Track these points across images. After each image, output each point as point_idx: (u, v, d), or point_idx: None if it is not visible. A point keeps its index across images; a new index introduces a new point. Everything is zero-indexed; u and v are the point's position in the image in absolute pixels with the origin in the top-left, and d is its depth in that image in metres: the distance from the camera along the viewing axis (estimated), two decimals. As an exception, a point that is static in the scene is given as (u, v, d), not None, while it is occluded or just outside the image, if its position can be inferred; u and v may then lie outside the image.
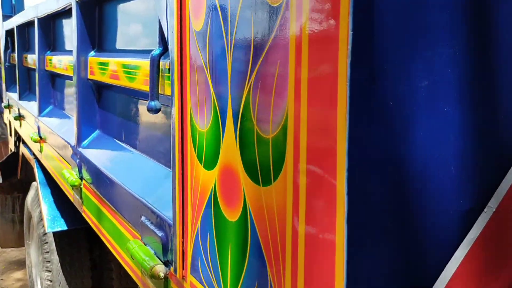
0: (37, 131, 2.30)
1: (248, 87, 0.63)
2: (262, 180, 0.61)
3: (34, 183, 3.00)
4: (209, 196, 0.73)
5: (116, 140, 1.42)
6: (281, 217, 0.57)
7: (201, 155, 0.76)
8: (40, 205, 2.49)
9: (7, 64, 3.65)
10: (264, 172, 0.61)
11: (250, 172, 0.63)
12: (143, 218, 1.01)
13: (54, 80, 2.27)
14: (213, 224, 0.73)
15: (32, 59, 2.66)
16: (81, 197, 1.56)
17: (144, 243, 1.00)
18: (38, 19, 2.23)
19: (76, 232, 2.59)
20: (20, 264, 4.16)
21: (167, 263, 0.94)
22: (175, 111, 0.83)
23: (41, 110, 2.30)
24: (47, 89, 2.30)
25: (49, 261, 2.61)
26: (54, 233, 2.59)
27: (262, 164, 0.61)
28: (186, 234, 0.82)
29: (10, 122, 3.80)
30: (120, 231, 1.17)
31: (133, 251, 0.97)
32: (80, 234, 2.64)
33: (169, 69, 0.94)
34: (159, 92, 0.98)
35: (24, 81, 3.03)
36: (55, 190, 2.52)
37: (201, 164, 0.76)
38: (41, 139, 2.27)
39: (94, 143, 1.54)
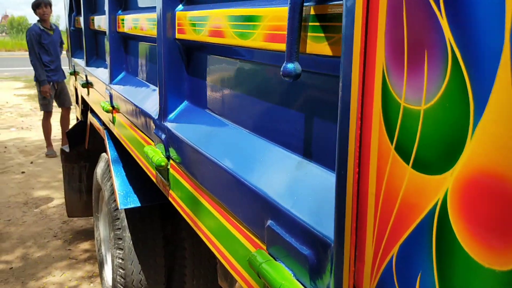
0: (109, 100, 2.09)
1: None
2: None
3: (103, 154, 2.84)
4: (427, 215, 0.45)
5: (215, 115, 1.16)
6: None
7: (407, 148, 0.47)
8: (112, 179, 2.32)
9: (72, 28, 3.49)
10: None
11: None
12: (270, 223, 0.74)
13: (128, 43, 2.04)
14: (434, 259, 0.45)
15: (100, 21, 2.45)
16: (168, 179, 1.32)
17: (273, 257, 0.74)
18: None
19: (149, 208, 2.42)
20: (87, 234, 4.11)
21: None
22: (348, 74, 0.54)
23: (113, 77, 2.09)
24: (119, 53, 2.07)
25: (120, 239, 2.45)
26: (126, 209, 2.43)
27: None
28: (361, 262, 0.55)
29: (76, 89, 3.67)
30: (229, 231, 0.92)
31: (261, 268, 0.71)
32: (153, 211, 2.46)
33: (315, 15, 0.66)
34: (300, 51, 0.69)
35: (91, 46, 2.84)
36: (128, 164, 2.34)
37: (407, 163, 0.47)
38: (113, 109, 2.07)
39: (183, 117, 1.29)
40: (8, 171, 5.80)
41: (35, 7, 6.22)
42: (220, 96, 1.13)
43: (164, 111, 1.33)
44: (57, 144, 6.88)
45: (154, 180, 1.49)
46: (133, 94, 1.73)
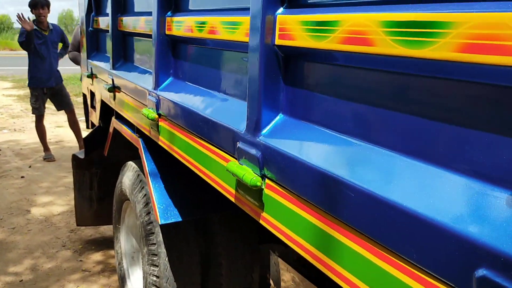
0: (153, 107, 1.95)
1: None
2: None
3: (130, 163, 2.69)
4: None
5: (328, 130, 1.04)
6: None
7: None
8: (150, 192, 2.17)
9: (90, 29, 3.32)
10: None
11: None
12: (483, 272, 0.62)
13: (179, 47, 1.90)
14: None
15: (136, 22, 2.30)
16: (261, 201, 1.19)
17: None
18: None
19: (185, 223, 2.28)
20: (97, 244, 3.94)
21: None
22: None
23: (159, 83, 1.94)
24: (167, 58, 1.93)
25: (155, 254, 2.30)
26: (162, 224, 2.28)
27: None
28: None
29: (92, 92, 3.50)
30: (385, 271, 0.79)
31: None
32: (190, 226, 2.32)
33: None
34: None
35: (118, 48, 2.69)
36: (167, 177, 2.20)
37: None
38: (159, 117, 1.92)
39: (281, 131, 1.17)
40: (7, 176, 5.57)
41: (32, 7, 6.02)
42: (336, 110, 1.00)
43: (256, 124, 1.19)
44: (53, 148, 6.66)
45: (233, 200, 1.35)
46: (196, 103, 1.60)
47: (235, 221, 2.38)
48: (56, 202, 4.78)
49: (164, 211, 2.12)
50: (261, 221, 1.21)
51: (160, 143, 1.98)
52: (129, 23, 2.43)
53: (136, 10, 2.41)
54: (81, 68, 3.88)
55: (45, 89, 6.12)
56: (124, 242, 2.97)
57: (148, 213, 2.35)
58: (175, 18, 1.80)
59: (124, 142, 3.03)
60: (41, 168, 5.92)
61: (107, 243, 3.94)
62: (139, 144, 2.33)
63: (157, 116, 1.93)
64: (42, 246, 3.87)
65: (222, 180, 1.41)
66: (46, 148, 6.46)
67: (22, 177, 5.52)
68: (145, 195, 2.41)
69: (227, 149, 1.35)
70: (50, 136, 7.21)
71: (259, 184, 1.16)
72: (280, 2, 1.14)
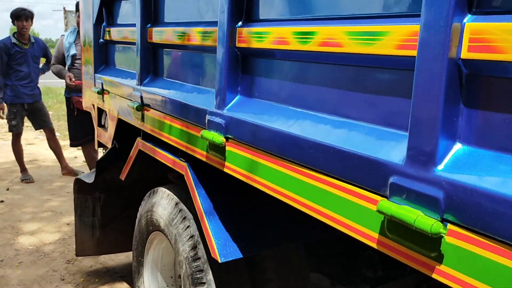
0: (218, 129, 1.70)
1: None
2: None
3: (161, 189, 2.41)
4: None
5: None
6: None
7: None
8: (205, 227, 1.90)
9: (101, 40, 3.03)
10: None
11: None
12: None
13: (251, 61, 1.66)
14: None
15: (181, 33, 2.04)
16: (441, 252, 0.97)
17: None
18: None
19: (238, 259, 2.02)
20: (100, 275, 3.59)
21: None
22: None
23: (226, 102, 1.70)
24: (235, 73, 1.69)
25: (204, 295, 2.03)
26: (211, 260, 2.02)
27: None
28: None
29: (102, 111, 3.18)
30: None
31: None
32: (242, 262, 2.07)
33: None
34: None
35: (148, 62, 2.42)
36: (220, 208, 1.95)
37: None
38: (227, 141, 1.68)
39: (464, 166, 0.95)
40: (-16, 201, 5.10)
41: (15, 18, 5.61)
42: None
43: (432, 157, 0.97)
44: (29, 167, 6.19)
45: (375, 246, 1.12)
46: (289, 125, 1.36)
47: (286, 255, 2.16)
48: (45, 229, 4.37)
49: (222, 247, 1.86)
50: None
51: (226, 170, 1.73)
52: (168, 34, 2.16)
53: (179, 20, 2.14)
54: (83, 83, 3.55)
55: (25, 105, 5.70)
56: (149, 278, 2.66)
57: (194, 247, 2.08)
58: (254, 29, 1.57)
59: (143, 165, 2.75)
60: (21, 191, 5.46)
61: (110, 275, 3.60)
62: (185, 170, 2.06)
63: (224, 139, 1.68)
64: (38, 281, 3.47)
65: (355, 222, 1.17)
66: (23, 169, 6.00)
67: (2, 201, 5.05)
68: (188, 227, 2.14)
69: (371, 186, 1.12)
70: (25, 155, 6.73)
71: (442, 231, 0.94)
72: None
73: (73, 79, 5.16)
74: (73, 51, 5.22)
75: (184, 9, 2.10)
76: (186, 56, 2.12)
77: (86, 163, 5.95)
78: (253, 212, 2.04)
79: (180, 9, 2.14)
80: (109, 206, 3.50)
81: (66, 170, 6.14)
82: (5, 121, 9.67)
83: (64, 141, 7.21)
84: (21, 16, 5.57)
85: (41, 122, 5.96)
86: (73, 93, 5.30)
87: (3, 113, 5.60)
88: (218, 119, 1.72)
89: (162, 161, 2.31)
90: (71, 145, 5.64)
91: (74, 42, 5.25)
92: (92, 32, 3.11)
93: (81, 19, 3.44)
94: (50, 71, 5.66)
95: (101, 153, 5.63)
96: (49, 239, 4.15)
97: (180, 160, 2.12)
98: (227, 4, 1.62)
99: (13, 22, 5.67)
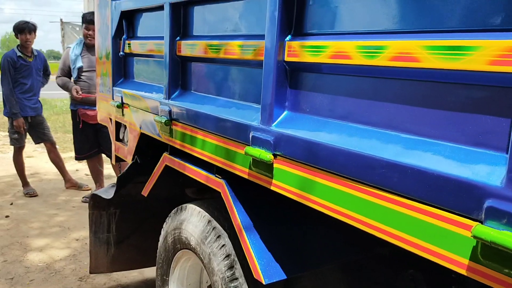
0: (265, 146, 1.64)
1: None
2: None
3: (192, 206, 2.34)
4: None
5: None
6: None
7: None
8: (246, 246, 1.83)
9: (121, 53, 2.96)
10: None
11: None
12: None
13: (301, 76, 1.61)
14: None
15: (217, 47, 1.99)
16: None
17: None
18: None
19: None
20: (115, 293, 3.49)
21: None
22: None
23: (273, 118, 1.64)
24: (283, 88, 1.64)
25: (244, 318, 1.95)
26: (249, 280, 1.95)
27: None
28: None
29: (121, 125, 3.11)
30: None
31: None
32: (279, 282, 2.00)
33: None
34: None
35: (175, 76, 2.36)
36: (260, 227, 1.88)
37: None
38: (275, 157, 1.62)
39: None
40: (-12, 216, 4.98)
41: (18, 31, 5.54)
42: None
43: None
44: (31, 181, 6.07)
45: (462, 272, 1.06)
46: (354, 143, 1.31)
47: (324, 275, 2.10)
48: (54, 245, 4.26)
49: (266, 267, 1.79)
50: None
51: (274, 188, 1.66)
52: (201, 48, 2.11)
53: (213, 33, 2.09)
54: (97, 96, 3.48)
55: (29, 118, 5.60)
56: (175, 297, 2.58)
57: (231, 267, 2.01)
58: (307, 43, 1.52)
59: (167, 181, 2.68)
60: (25, 205, 5.34)
61: (125, 292, 3.51)
62: (222, 187, 1.99)
63: (272, 156, 1.62)
64: (51, 299, 3.38)
65: (437, 246, 1.11)
66: (25, 183, 5.89)
67: (7, 216, 4.94)
68: (223, 245, 2.07)
69: (459, 209, 1.06)
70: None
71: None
72: None
73: (80, 92, 5.08)
74: (79, 63, 5.15)
75: (220, 22, 2.04)
76: (222, 70, 2.06)
77: (90, 176, 5.86)
78: (294, 230, 1.98)
79: (216, 22, 2.09)
80: (124, 221, 3.42)
81: (70, 183, 6.04)
82: (1, 133, 9.55)
83: (64, 154, 7.11)
84: (24, 29, 5.50)
85: (42, 135, 5.87)
86: (79, 105, 5.22)
87: (23, 129, 5.52)
88: (264, 135, 1.66)
89: (194, 177, 2.24)
90: (77, 158, 5.55)
91: (80, 54, 5.18)
92: (111, 44, 3.05)
93: (96, 32, 3.38)
94: (56, 83, 5.58)
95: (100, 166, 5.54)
96: (59, 256, 4.05)
97: (216, 176, 2.05)
98: (277, 17, 1.57)
99: (16, 35, 5.59)
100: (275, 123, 1.64)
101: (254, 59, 1.76)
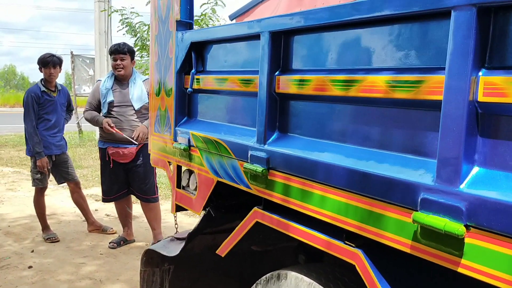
0: (458, 216, 1.24)
1: None
2: None
3: (295, 275, 1.93)
4: None
5: None
6: None
7: None
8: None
9: (189, 90, 2.59)
10: None
11: None
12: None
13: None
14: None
15: (346, 83, 1.61)
16: None
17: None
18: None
19: None
20: None
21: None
22: None
23: (460, 176, 1.25)
24: (472, 137, 1.25)
25: None
26: None
27: None
28: None
29: (186, 171, 2.71)
30: None
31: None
32: None
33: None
34: None
35: (273, 117, 1.98)
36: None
37: None
38: (467, 229, 1.22)
39: None
40: (9, 266, 4.50)
41: (42, 65, 5.20)
42: None
43: None
44: (50, 223, 5.61)
45: None
46: None
47: None
48: (87, 301, 3.80)
49: None
50: None
51: (462, 270, 1.25)
52: (319, 82, 1.73)
53: (336, 65, 1.71)
54: (151, 136, 3.08)
55: (53, 156, 5.20)
56: None
57: None
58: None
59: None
60: (48, 253, 4.88)
61: None
62: (359, 258, 1.58)
63: (464, 228, 1.22)
64: None
65: None
66: (45, 226, 5.44)
67: (30, 267, 4.47)
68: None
69: None
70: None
71: None
72: None
73: (112, 124, 4.70)
74: (110, 97, 4.79)
75: (351, 52, 1.67)
76: (351, 111, 1.67)
77: (111, 218, 5.42)
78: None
79: (343, 52, 1.71)
80: (178, 279, 3.01)
81: (94, 226, 5.59)
82: (9, 169, 9.06)
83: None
84: (48, 63, 5.15)
85: (66, 174, 5.44)
86: (108, 143, 4.83)
87: (47, 169, 5.12)
88: (448, 200, 1.26)
89: (305, 240, 1.83)
90: (104, 200, 5.13)
91: (111, 88, 4.82)
92: (174, 79, 2.68)
93: (151, 65, 3.01)
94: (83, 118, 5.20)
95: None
96: (96, 315, 3.58)
97: (347, 244, 1.64)
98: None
99: (40, 69, 5.25)
100: (466, 183, 1.25)
101: (417, 98, 1.37)
